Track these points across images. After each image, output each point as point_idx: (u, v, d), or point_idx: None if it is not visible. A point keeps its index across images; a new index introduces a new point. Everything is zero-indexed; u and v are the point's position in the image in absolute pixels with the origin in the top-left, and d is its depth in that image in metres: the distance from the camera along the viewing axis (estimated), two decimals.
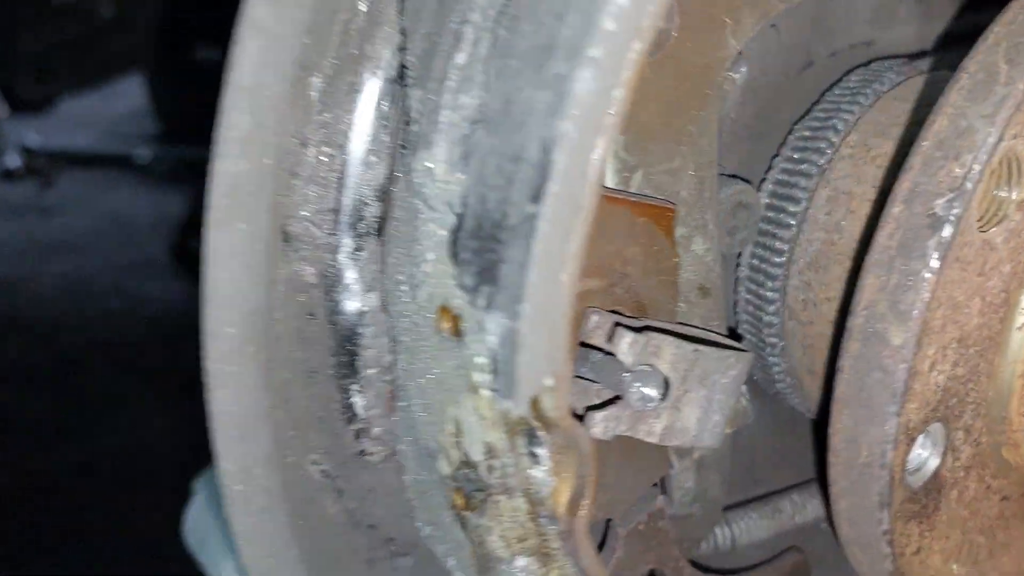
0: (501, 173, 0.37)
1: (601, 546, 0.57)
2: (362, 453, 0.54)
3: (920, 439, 0.49)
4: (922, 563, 0.53)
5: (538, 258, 0.35)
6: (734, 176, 0.59)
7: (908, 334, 0.44)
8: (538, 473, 0.41)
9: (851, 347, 0.47)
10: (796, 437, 0.73)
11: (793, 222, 0.59)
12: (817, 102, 0.62)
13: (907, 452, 0.47)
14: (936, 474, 0.51)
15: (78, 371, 2.61)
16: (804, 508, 0.71)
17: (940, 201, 0.44)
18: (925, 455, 0.50)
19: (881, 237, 0.46)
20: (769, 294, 0.60)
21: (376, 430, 0.53)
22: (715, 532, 0.67)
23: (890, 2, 0.64)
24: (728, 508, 0.69)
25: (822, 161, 0.59)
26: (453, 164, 0.40)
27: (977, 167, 0.43)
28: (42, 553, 1.92)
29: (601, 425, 0.45)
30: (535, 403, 0.39)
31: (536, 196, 0.35)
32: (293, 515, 0.54)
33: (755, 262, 0.61)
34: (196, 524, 1.11)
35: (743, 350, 0.51)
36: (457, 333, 0.43)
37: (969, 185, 0.43)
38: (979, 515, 0.57)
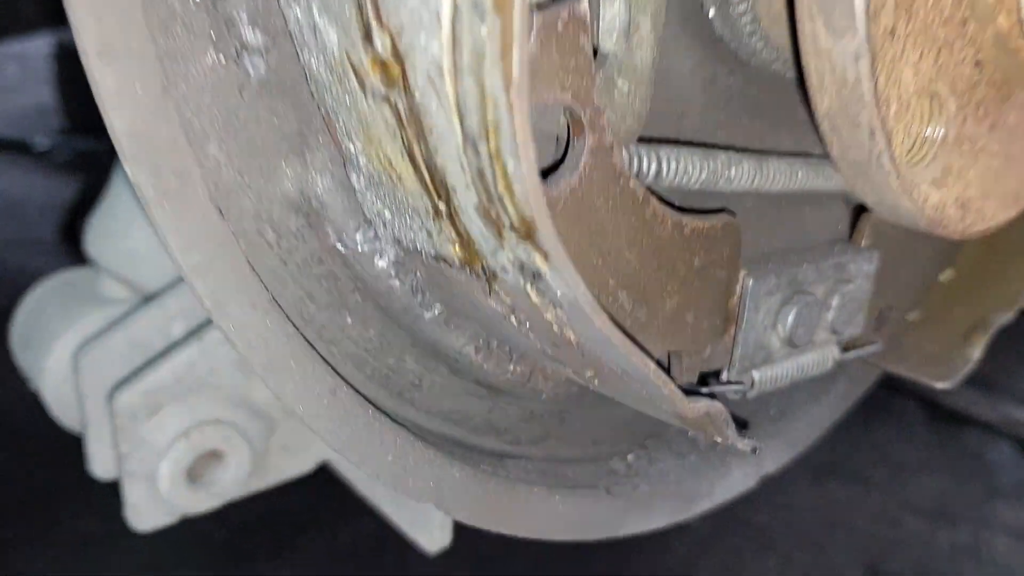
0: None
1: None
2: None
3: None
4: (894, 62, 0.44)
5: None
6: None
7: None
8: None
9: None
10: (737, 105, 0.64)
11: None
12: None
13: None
14: None
15: None
16: (740, 164, 0.61)
17: None
18: None
19: None
20: None
21: None
22: (639, 153, 0.56)
23: None
24: (654, 141, 0.58)
25: None
26: None
27: None
28: None
29: None
30: None
31: None
32: None
33: None
34: (23, 322, 0.95)
35: None
36: None
37: None
38: (953, 57, 0.48)
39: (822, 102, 0.46)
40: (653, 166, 0.57)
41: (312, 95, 0.47)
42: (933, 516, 1.29)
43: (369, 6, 0.39)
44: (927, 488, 1.35)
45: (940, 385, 0.72)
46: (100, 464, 0.84)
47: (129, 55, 0.39)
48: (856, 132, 0.46)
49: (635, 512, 0.75)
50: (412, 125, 0.41)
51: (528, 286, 0.43)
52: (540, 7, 0.44)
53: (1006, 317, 0.76)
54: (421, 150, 0.42)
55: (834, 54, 0.43)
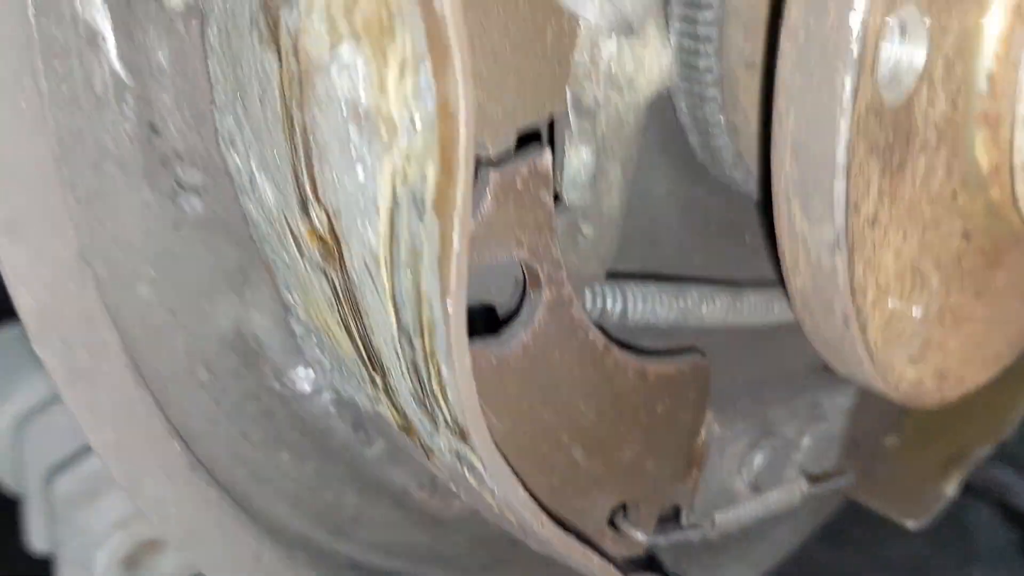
0: None
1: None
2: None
3: (897, 27, 0.37)
4: (875, 250, 0.41)
5: None
6: None
7: None
8: None
9: None
10: (715, 229, 0.61)
11: None
12: None
13: (883, 26, 0.35)
14: (909, 104, 0.39)
15: None
16: (712, 301, 0.58)
17: None
18: (902, 58, 0.38)
19: None
20: None
21: None
22: (604, 292, 0.53)
23: None
24: (622, 276, 0.55)
25: None
26: None
27: None
28: None
29: None
30: None
31: None
32: (47, 73, 0.38)
33: None
34: None
35: None
36: None
37: None
38: (940, 233, 0.45)
39: (795, 281, 0.43)
40: (619, 306, 0.54)
41: (251, 236, 0.44)
42: None
43: (306, 178, 0.36)
44: (904, 549, 1.29)
45: (910, 524, 0.69)
46: (38, 538, 0.81)
47: (39, 228, 0.36)
48: (829, 317, 0.43)
49: None
50: (348, 302, 0.38)
51: (465, 471, 0.40)
52: (498, 162, 0.42)
53: (985, 451, 0.73)
54: (357, 327, 0.38)
55: (810, 240, 0.40)
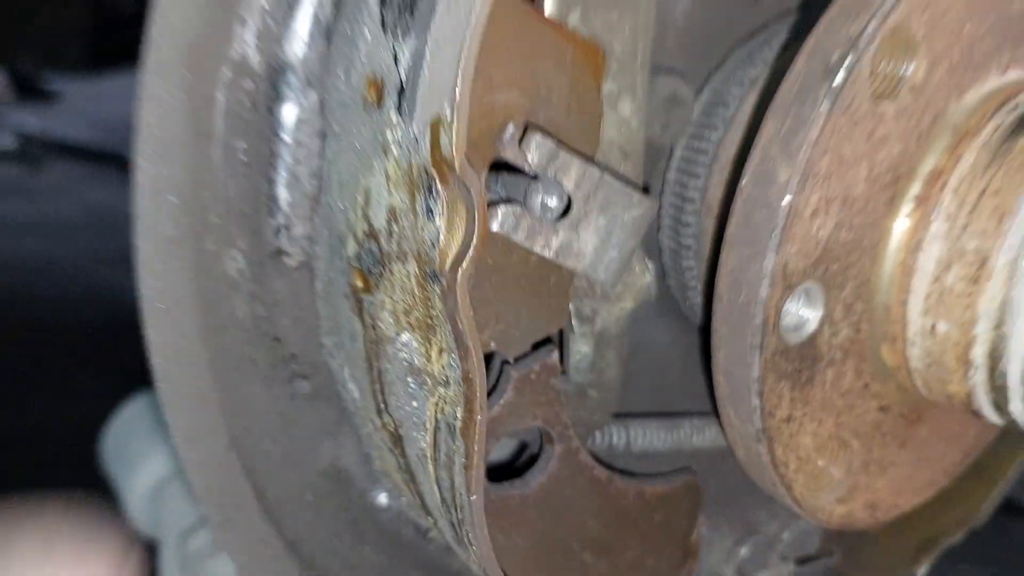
0: None
1: (494, 389, 0.59)
2: (279, 252, 0.56)
3: (798, 294, 0.52)
4: (792, 437, 0.56)
5: None
6: (674, 72, 0.63)
7: (793, 171, 0.48)
8: (431, 227, 0.44)
9: (744, 188, 0.50)
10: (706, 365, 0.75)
11: (721, 124, 0.63)
12: (762, 27, 0.67)
13: (783, 297, 0.50)
14: (812, 340, 0.54)
15: (16, 349, 2.59)
16: (702, 431, 0.73)
17: (836, 53, 0.48)
18: (803, 315, 0.53)
19: (783, 89, 0.50)
20: (691, 193, 0.64)
21: (297, 229, 0.56)
22: (611, 431, 0.69)
23: None
24: (629, 416, 0.71)
25: (754, 73, 0.63)
26: None
27: (871, 27, 0.47)
28: None
29: (500, 217, 0.48)
30: (434, 143, 0.42)
31: None
32: (204, 311, 0.56)
33: (683, 164, 0.65)
34: (115, 434, 1.12)
35: (649, 200, 0.54)
36: (379, 98, 0.46)
37: (862, 42, 0.47)
38: (854, 413, 0.59)
39: (737, 452, 0.58)
40: (623, 440, 0.69)
41: (344, 404, 0.62)
42: None
43: (380, 397, 0.53)
44: None
45: None
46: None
47: (206, 438, 0.54)
48: (763, 479, 0.58)
49: None
50: (407, 473, 0.55)
51: None
52: (517, 361, 0.58)
53: (954, 539, 0.86)
54: (414, 488, 0.55)
55: (741, 431, 0.55)
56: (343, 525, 0.67)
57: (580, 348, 0.61)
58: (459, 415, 0.48)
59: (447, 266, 0.45)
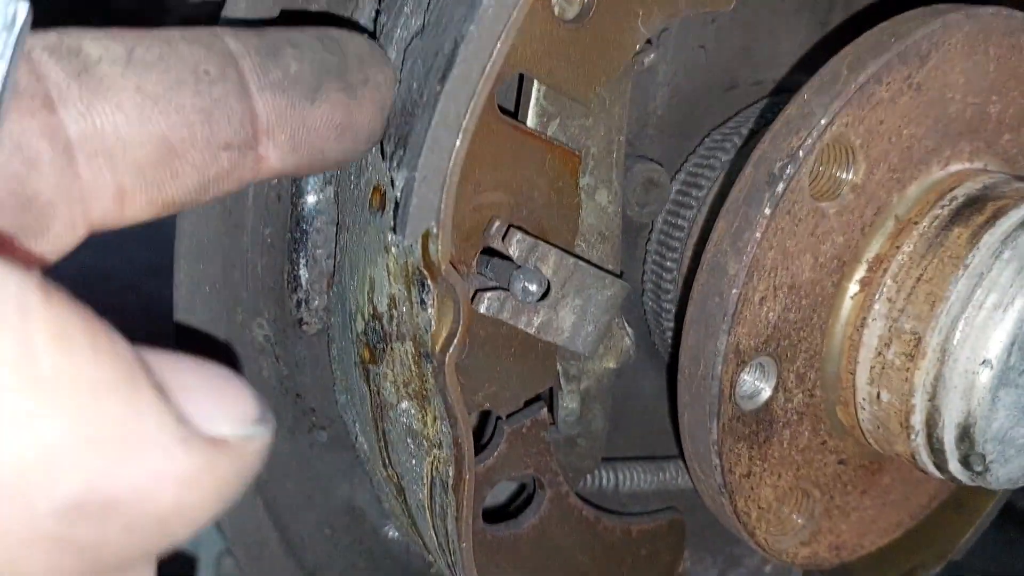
0: (424, 65, 0.49)
1: (489, 442, 0.67)
2: (301, 322, 0.64)
3: (752, 367, 0.59)
4: (752, 489, 0.63)
5: (437, 126, 0.47)
6: (651, 160, 0.70)
7: (740, 265, 0.55)
8: (425, 315, 0.52)
9: (700, 277, 0.57)
10: None
11: (695, 204, 0.70)
12: (735, 113, 0.74)
13: (737, 371, 0.58)
14: (768, 406, 0.61)
15: None
16: (687, 473, 0.80)
17: (778, 164, 0.55)
18: (758, 385, 0.60)
19: (733, 192, 0.57)
20: (669, 263, 0.71)
21: (315, 302, 0.64)
22: (600, 474, 0.76)
23: (814, 54, 0.77)
24: (617, 460, 0.78)
25: (725, 158, 0.70)
26: (396, 68, 0.52)
27: (810, 141, 0.54)
28: None
29: (486, 302, 0.55)
30: (424, 249, 0.50)
31: (443, 78, 0.47)
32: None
33: (662, 237, 0.72)
34: None
35: (622, 281, 0.62)
36: (381, 205, 0.54)
37: (801, 154, 0.54)
38: (813, 466, 0.66)
39: (707, 501, 0.65)
40: (612, 482, 0.77)
41: (358, 452, 0.70)
42: None
43: (385, 454, 0.61)
44: None
45: None
46: None
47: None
48: (730, 526, 0.65)
49: None
50: (410, 518, 0.63)
51: None
52: (509, 417, 0.65)
53: (933, 571, 0.92)
54: (417, 531, 0.63)
55: (705, 484, 0.62)
56: (358, 555, 0.75)
57: (568, 404, 0.69)
58: (451, 473, 0.56)
59: (438, 349, 0.52)
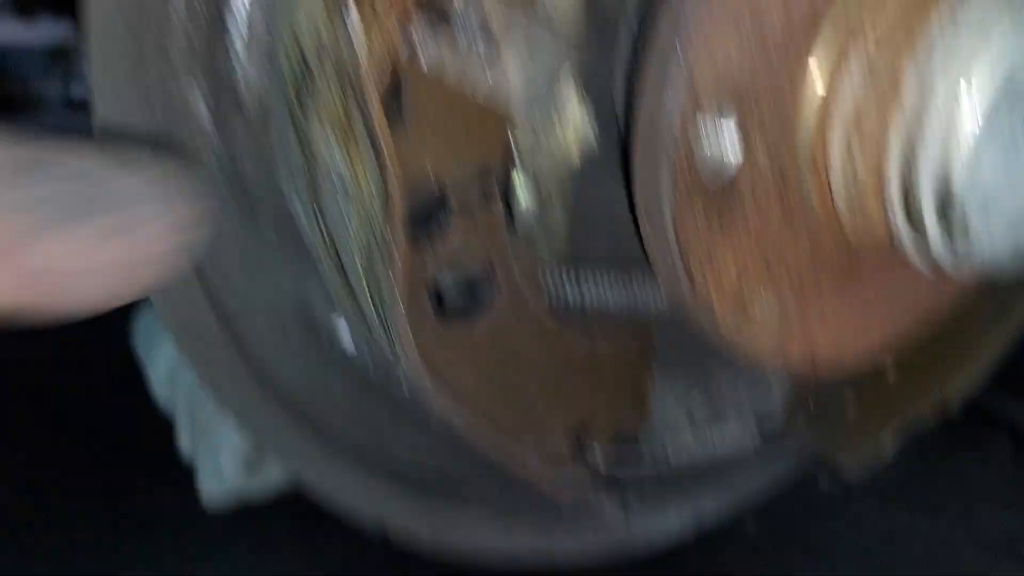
0: None
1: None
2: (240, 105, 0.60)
3: (711, 119, 0.54)
4: (714, 264, 0.58)
5: None
6: None
7: None
8: (345, 32, 0.48)
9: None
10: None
11: None
12: None
13: (693, 113, 0.53)
14: (734, 180, 0.56)
15: None
16: (657, 294, 0.75)
17: None
18: (722, 145, 0.55)
19: None
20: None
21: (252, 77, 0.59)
22: (565, 289, 0.71)
23: None
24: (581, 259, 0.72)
25: None
26: None
27: None
28: None
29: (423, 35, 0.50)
30: None
31: None
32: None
33: None
34: (144, 321, 1.21)
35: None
36: None
37: None
38: (785, 257, 0.61)
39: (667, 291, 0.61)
40: (577, 298, 0.72)
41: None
42: (998, 552, 1.31)
43: (324, 224, 0.58)
44: (999, 523, 1.36)
45: (847, 476, 0.84)
46: (185, 448, 1.09)
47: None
48: (696, 316, 0.61)
49: None
50: (352, 299, 0.60)
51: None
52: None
53: (926, 423, 0.86)
54: (360, 316, 0.61)
55: (662, 263, 0.58)
56: (315, 367, 0.72)
57: (521, 194, 0.64)
58: (380, 214, 0.52)
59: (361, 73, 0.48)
